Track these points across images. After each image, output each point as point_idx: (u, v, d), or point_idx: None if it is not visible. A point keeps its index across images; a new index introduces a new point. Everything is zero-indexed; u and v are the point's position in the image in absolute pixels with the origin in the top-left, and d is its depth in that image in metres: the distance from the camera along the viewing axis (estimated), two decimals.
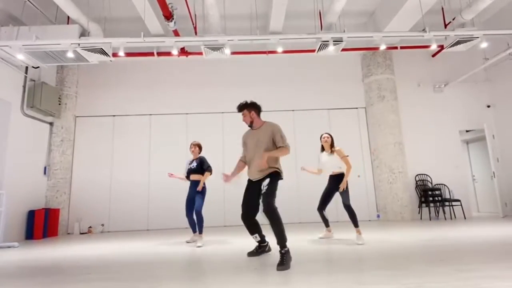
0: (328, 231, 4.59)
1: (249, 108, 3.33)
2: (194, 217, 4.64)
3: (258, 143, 3.22)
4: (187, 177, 4.86)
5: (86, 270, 3.04)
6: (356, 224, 4.13)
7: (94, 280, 2.60)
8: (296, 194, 7.19)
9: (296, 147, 7.41)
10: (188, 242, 4.70)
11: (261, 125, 3.33)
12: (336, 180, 4.31)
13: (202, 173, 4.74)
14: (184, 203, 5.16)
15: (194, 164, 4.79)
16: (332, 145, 4.41)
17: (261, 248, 3.48)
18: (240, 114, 3.35)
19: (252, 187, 3.25)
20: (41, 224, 6.11)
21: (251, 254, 3.44)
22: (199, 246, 4.26)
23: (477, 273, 2.35)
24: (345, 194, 4.18)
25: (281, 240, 2.93)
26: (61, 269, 3.13)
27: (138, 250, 4.20)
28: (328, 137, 4.44)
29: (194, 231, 4.74)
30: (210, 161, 7.55)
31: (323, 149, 4.52)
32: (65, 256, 3.93)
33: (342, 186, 4.15)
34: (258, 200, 3.18)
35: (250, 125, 3.35)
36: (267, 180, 3.12)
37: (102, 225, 7.05)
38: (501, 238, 4.03)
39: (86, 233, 6.87)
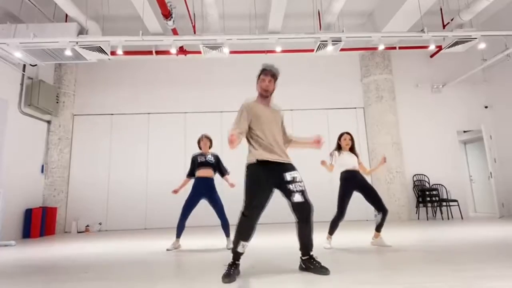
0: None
1: (277, 78, 2.81)
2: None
3: (276, 122, 2.72)
4: (191, 174, 4.21)
5: (83, 269, 3.03)
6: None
7: (91, 279, 2.60)
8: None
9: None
10: (169, 250, 3.97)
11: (269, 103, 2.82)
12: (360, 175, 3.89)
13: (217, 171, 4.20)
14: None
15: (211, 158, 4.15)
16: (353, 147, 4.02)
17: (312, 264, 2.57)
18: (267, 77, 2.74)
19: (271, 174, 2.51)
20: (38, 223, 6.09)
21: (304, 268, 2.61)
22: (229, 248, 3.59)
23: (473, 273, 2.37)
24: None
25: (312, 245, 2.58)
26: (58, 268, 3.13)
27: (136, 249, 4.19)
28: (350, 139, 4.01)
29: (178, 237, 4.09)
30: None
31: (339, 147, 4.02)
32: (62, 255, 3.92)
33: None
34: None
35: (266, 95, 2.76)
36: (297, 171, 2.56)
37: (100, 224, 7.04)
38: (497, 238, 4.05)
39: (83, 232, 6.85)
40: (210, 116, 7.68)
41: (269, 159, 2.53)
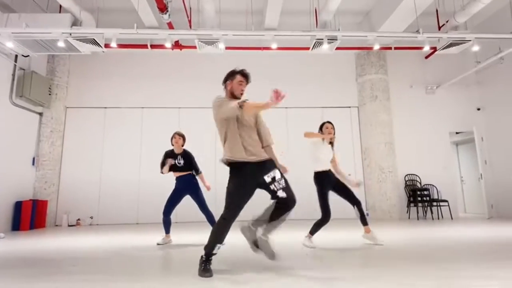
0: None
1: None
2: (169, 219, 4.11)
3: (249, 124, 2.68)
4: (161, 169, 4.17)
5: (71, 262, 3.02)
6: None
7: (79, 273, 2.58)
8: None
9: (289, 144, 7.43)
10: (159, 244, 4.01)
11: None
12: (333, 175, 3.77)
13: (190, 170, 4.13)
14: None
15: (181, 161, 4.09)
16: (332, 142, 3.84)
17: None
18: (245, 83, 2.71)
19: (253, 175, 2.49)
20: (28, 215, 6.03)
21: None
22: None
23: (458, 272, 2.40)
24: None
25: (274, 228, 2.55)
26: (46, 260, 3.11)
27: (126, 244, 4.18)
28: (332, 128, 3.76)
29: (168, 233, 4.13)
30: (201, 158, 7.58)
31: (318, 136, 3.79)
32: (51, 248, 3.89)
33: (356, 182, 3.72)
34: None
35: (238, 98, 2.65)
36: (275, 170, 2.54)
37: (91, 217, 7.00)
38: (485, 239, 4.12)
39: (74, 225, 6.81)
40: (204, 112, 7.63)
41: (250, 160, 2.47)
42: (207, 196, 4.19)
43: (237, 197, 2.43)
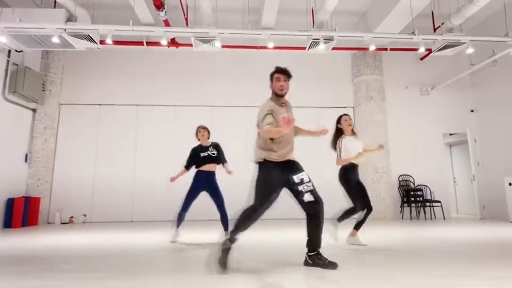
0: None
1: (290, 78, 2.83)
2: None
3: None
4: (189, 166, 4.12)
5: (64, 260, 2.99)
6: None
7: (71, 271, 2.57)
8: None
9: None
10: (173, 242, 3.98)
11: (286, 103, 2.83)
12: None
13: (220, 162, 4.10)
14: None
15: (213, 151, 4.05)
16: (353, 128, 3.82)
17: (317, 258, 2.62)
18: (282, 76, 2.74)
19: (282, 173, 2.58)
20: (20, 213, 5.97)
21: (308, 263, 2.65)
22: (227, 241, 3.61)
23: (448, 271, 2.43)
24: None
25: (320, 241, 2.65)
26: (38, 258, 3.08)
27: (120, 242, 4.15)
28: (351, 119, 3.80)
29: (178, 227, 4.12)
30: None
31: (340, 132, 3.78)
32: (43, 246, 3.85)
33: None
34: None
35: (281, 95, 2.74)
36: (304, 172, 2.63)
37: (85, 215, 6.94)
38: (476, 239, 4.17)
39: (67, 223, 6.75)
40: (200, 110, 7.62)
41: (284, 159, 2.59)
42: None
43: (267, 192, 2.54)
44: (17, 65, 6.35)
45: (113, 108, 7.47)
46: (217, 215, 3.98)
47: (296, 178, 2.56)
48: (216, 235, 4.36)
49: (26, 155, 6.69)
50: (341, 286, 2.06)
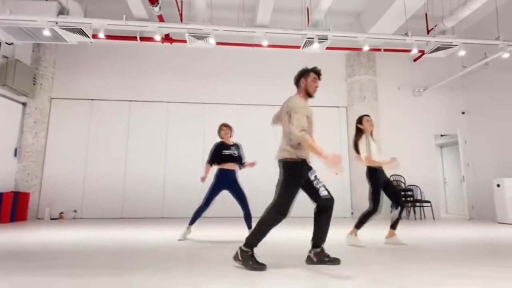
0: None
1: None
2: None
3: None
4: (213, 162, 4.05)
5: (52, 256, 2.96)
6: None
7: (58, 267, 2.54)
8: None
9: (277, 142, 7.45)
10: (181, 240, 3.93)
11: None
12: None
13: (241, 162, 4.10)
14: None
15: (235, 151, 4.05)
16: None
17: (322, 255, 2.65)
18: (317, 79, 2.76)
19: (305, 172, 2.62)
20: (8, 208, 5.88)
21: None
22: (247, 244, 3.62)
23: (432, 270, 2.46)
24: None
25: (326, 237, 2.69)
26: (26, 254, 3.04)
27: (110, 238, 4.13)
28: (372, 120, 3.81)
29: (191, 224, 4.02)
30: (190, 152, 7.56)
31: (360, 132, 3.81)
32: (31, 241, 3.81)
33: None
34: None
35: (312, 96, 2.79)
36: (315, 170, 2.69)
37: (75, 211, 6.88)
38: (464, 239, 4.23)
39: (57, 219, 6.67)
40: (193, 107, 7.59)
41: (306, 158, 2.61)
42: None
43: (296, 191, 2.54)
44: (7, 57, 6.24)
45: (105, 103, 7.39)
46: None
47: (311, 175, 2.62)
48: (215, 233, 4.36)
49: (16, 149, 6.59)
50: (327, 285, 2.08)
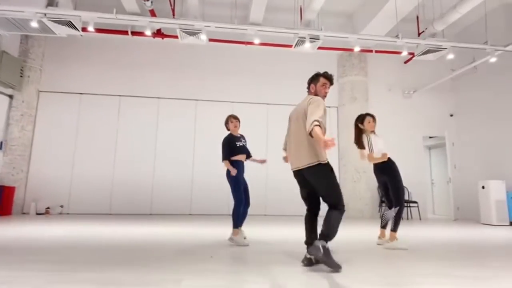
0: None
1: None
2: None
3: None
4: (230, 156, 3.82)
5: (35, 251, 2.92)
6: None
7: (41, 262, 2.51)
8: (264, 187, 7.28)
9: (268, 141, 7.46)
10: (247, 245, 3.56)
11: None
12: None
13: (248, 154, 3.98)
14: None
15: (245, 142, 3.96)
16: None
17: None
18: (327, 84, 2.78)
19: None
20: None
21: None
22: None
23: (414, 270, 2.50)
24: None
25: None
26: (9, 249, 2.99)
27: (96, 234, 4.08)
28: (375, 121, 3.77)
29: (241, 226, 3.73)
30: (180, 148, 7.52)
31: (361, 131, 3.84)
32: (14, 236, 3.75)
33: None
34: None
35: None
36: None
37: (61, 206, 6.79)
38: (448, 239, 4.31)
39: (43, 214, 6.58)
40: (184, 104, 7.55)
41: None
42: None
43: (338, 185, 2.65)
44: None
45: (94, 97, 7.30)
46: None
47: None
48: (204, 231, 4.34)
49: (1, 142, 6.46)
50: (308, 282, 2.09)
